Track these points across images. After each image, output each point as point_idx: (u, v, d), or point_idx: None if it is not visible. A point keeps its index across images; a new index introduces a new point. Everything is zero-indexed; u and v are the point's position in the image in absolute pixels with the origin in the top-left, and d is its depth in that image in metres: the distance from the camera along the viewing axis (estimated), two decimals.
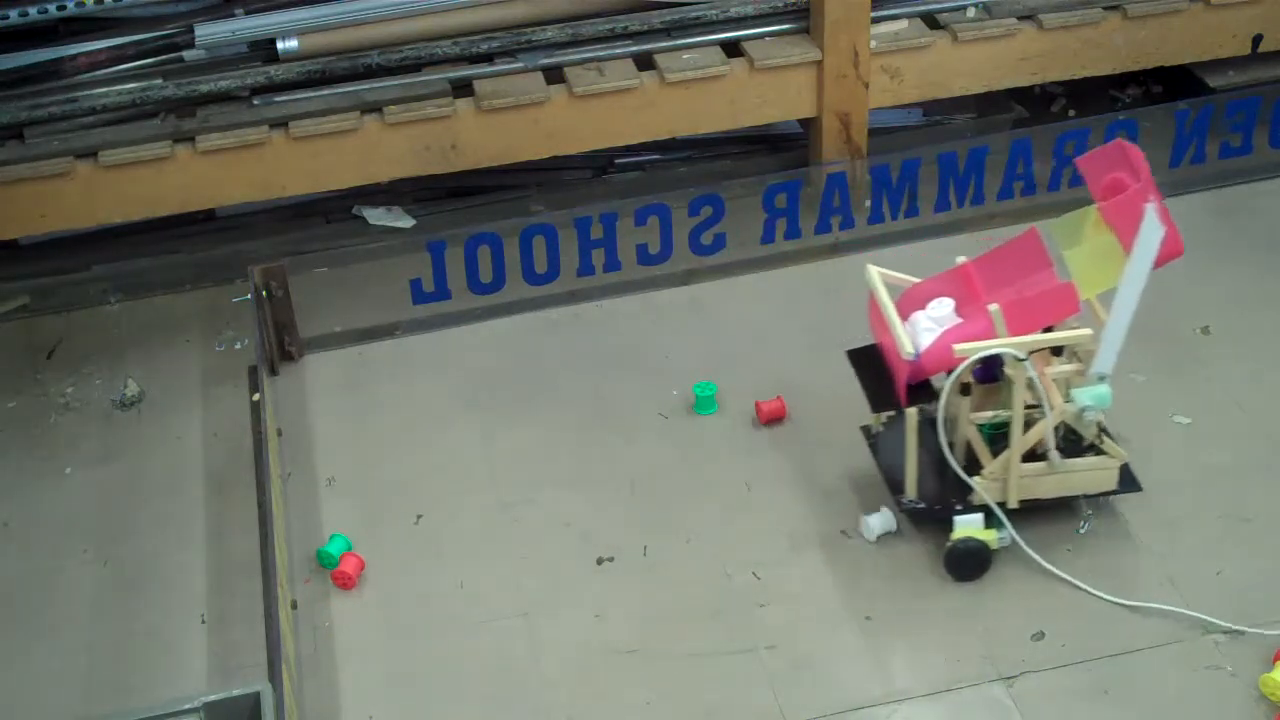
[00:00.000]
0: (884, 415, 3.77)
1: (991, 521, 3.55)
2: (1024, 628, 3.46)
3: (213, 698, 3.03)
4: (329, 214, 4.98)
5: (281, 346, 4.37)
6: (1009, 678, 3.36)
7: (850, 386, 3.74)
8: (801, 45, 4.69)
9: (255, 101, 4.50)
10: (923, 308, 3.58)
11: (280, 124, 4.46)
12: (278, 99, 4.51)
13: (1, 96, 4.43)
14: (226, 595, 3.68)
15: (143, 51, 4.56)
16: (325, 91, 4.53)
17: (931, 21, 4.79)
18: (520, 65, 4.61)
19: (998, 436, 3.58)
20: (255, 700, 3.00)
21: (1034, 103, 5.31)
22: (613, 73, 4.62)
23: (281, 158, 4.49)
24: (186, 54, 4.58)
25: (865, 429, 3.82)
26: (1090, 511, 3.69)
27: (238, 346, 4.48)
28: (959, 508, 3.56)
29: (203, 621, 3.62)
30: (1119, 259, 3.40)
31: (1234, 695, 3.28)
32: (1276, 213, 4.71)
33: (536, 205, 4.98)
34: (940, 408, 3.47)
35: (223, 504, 3.94)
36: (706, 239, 4.60)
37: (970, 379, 3.49)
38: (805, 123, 4.93)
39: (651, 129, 4.71)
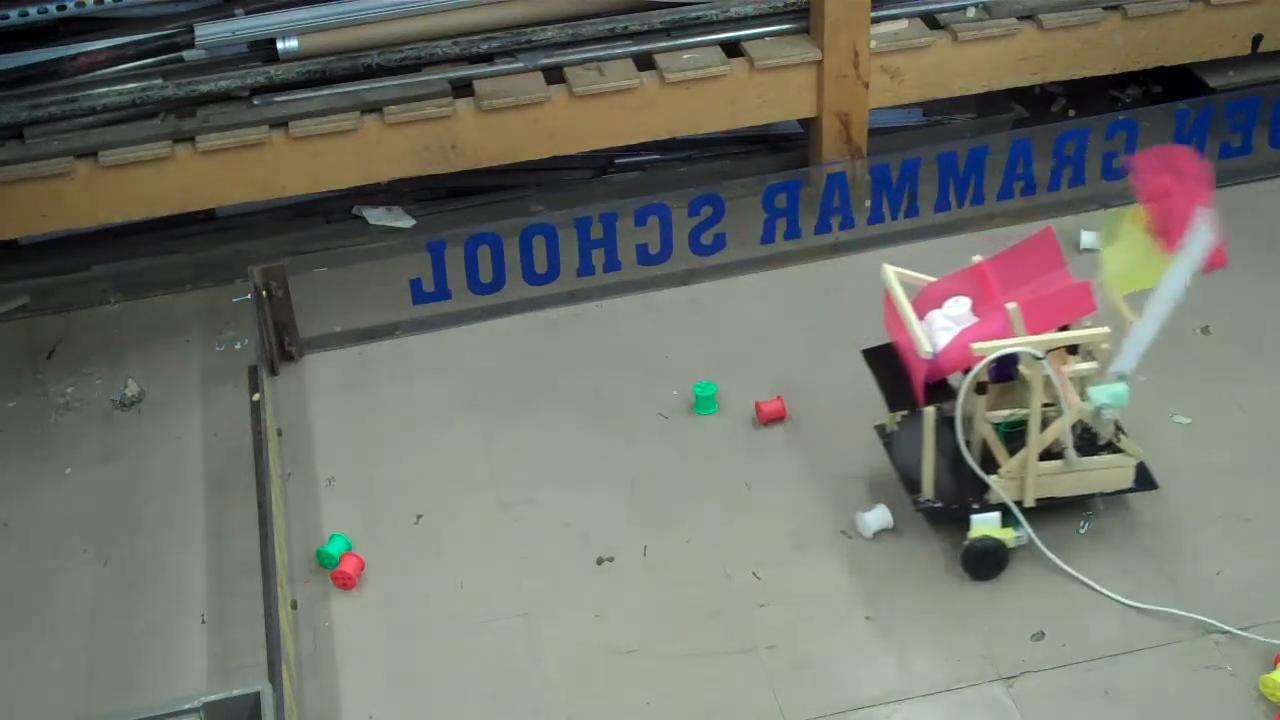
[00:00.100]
0: (898, 414, 3.77)
1: (1007, 520, 3.55)
2: (1024, 628, 3.46)
3: (213, 698, 3.03)
4: (329, 214, 4.98)
5: (281, 346, 4.37)
6: (1009, 678, 3.36)
7: (851, 386, 3.75)
8: (801, 45, 4.69)
9: (255, 101, 4.50)
10: (938, 307, 3.58)
11: (280, 124, 4.46)
12: (278, 99, 4.51)
13: (1, 96, 4.43)
14: (226, 595, 3.68)
15: (143, 51, 4.56)
16: (325, 91, 4.53)
17: (931, 21, 4.79)
18: (520, 65, 4.61)
19: (1013, 435, 3.59)
20: (255, 700, 3.00)
21: (1034, 103, 5.31)
22: (613, 73, 4.62)
23: (281, 158, 4.49)
24: (186, 54, 4.57)
25: (880, 428, 3.81)
26: (1090, 512, 3.69)
27: (238, 346, 4.48)
28: (976, 506, 3.56)
29: (203, 621, 3.62)
30: (1156, 261, 3.40)
31: (1234, 696, 3.28)
32: (1276, 213, 4.72)
33: (536, 205, 4.98)
34: (958, 407, 3.47)
35: (223, 504, 3.94)
36: (706, 239, 4.60)
37: (986, 377, 3.49)
38: (805, 123, 4.93)
39: (651, 129, 4.71)
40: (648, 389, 4.20)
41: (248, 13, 4.58)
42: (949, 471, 3.61)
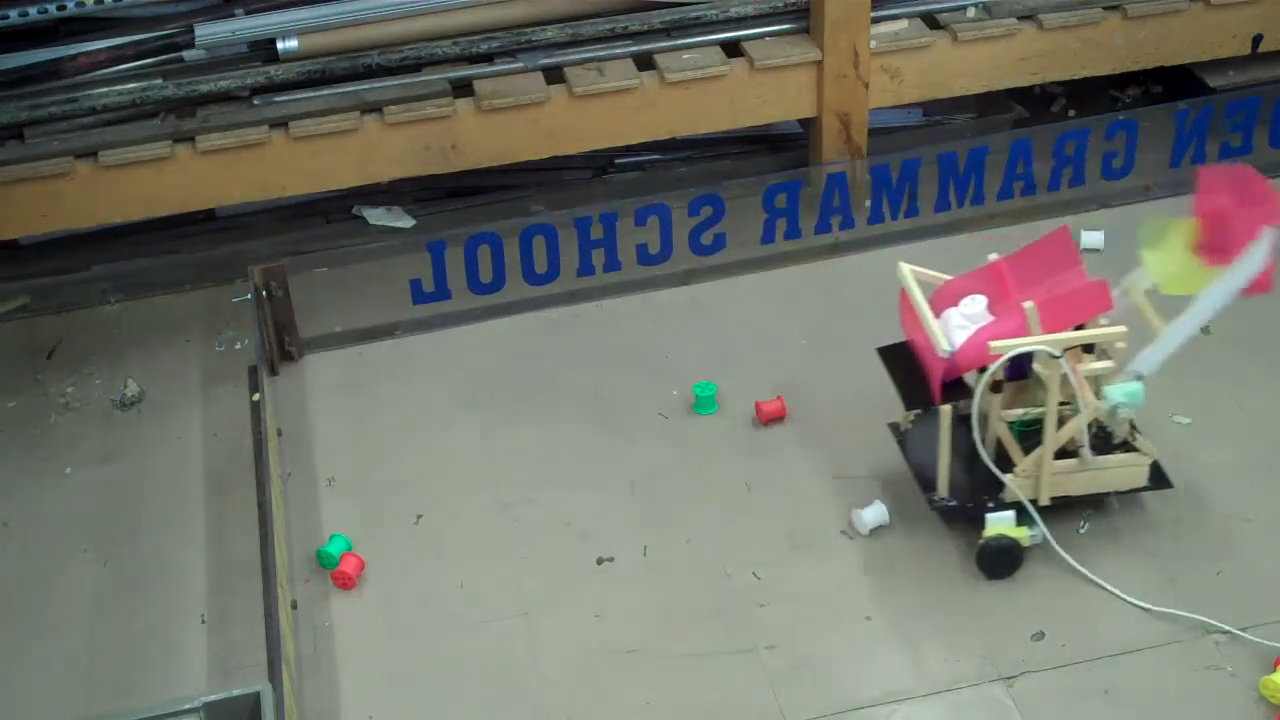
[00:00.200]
0: (911, 413, 3.76)
1: (1021, 519, 3.55)
2: (1024, 628, 3.46)
3: (213, 698, 3.03)
4: (329, 214, 4.98)
5: (281, 346, 4.37)
6: (1009, 678, 3.36)
7: (851, 386, 3.75)
8: (801, 45, 4.69)
9: (255, 101, 4.50)
10: (954, 305, 3.58)
11: (280, 124, 4.46)
12: (278, 99, 4.51)
13: (1, 96, 4.43)
14: (226, 595, 3.67)
15: (143, 51, 4.56)
16: (325, 91, 4.53)
17: (931, 21, 4.79)
18: (520, 65, 4.62)
19: (1027, 434, 3.59)
20: (255, 700, 3.00)
21: (1034, 103, 5.31)
22: (613, 73, 4.62)
23: (281, 158, 4.49)
24: (186, 54, 4.58)
25: (893, 426, 3.81)
26: (1090, 511, 3.69)
27: (238, 346, 4.48)
28: (990, 505, 3.56)
29: (203, 621, 3.62)
30: (1199, 273, 3.42)
31: (1234, 696, 3.28)
32: None
33: (536, 205, 4.98)
34: (974, 405, 3.47)
35: (223, 504, 3.94)
36: (706, 239, 4.60)
37: (1001, 376, 3.49)
38: (805, 123, 4.93)
39: (651, 129, 4.71)
40: (648, 389, 4.20)
41: (248, 13, 4.59)
42: (963, 470, 3.61)
